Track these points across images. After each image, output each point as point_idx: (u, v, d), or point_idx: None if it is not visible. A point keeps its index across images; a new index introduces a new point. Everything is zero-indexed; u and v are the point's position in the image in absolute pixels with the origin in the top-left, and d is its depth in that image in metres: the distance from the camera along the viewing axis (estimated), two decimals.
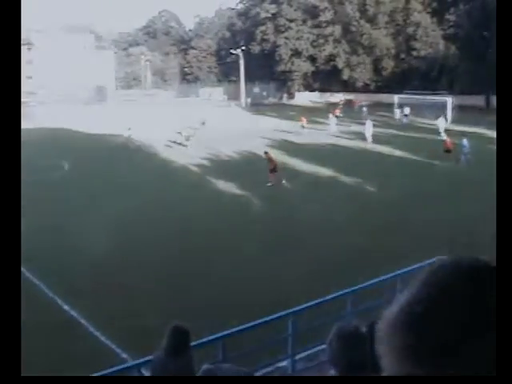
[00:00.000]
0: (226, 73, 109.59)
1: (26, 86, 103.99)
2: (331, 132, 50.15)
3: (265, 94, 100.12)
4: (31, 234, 19.29)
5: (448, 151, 33.65)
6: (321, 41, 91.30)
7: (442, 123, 44.97)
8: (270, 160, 29.50)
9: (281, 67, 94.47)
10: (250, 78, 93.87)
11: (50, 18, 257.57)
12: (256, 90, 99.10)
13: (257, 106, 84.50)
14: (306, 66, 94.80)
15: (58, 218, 23.09)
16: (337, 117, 56.22)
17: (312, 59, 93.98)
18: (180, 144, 44.06)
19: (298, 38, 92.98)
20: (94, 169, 34.72)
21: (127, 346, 12.03)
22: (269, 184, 28.45)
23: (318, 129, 52.38)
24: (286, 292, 14.21)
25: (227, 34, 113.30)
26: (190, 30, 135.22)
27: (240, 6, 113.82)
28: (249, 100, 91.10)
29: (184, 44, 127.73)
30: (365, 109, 61.63)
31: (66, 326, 13.44)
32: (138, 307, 14.34)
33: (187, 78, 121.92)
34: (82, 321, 13.58)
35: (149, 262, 17.88)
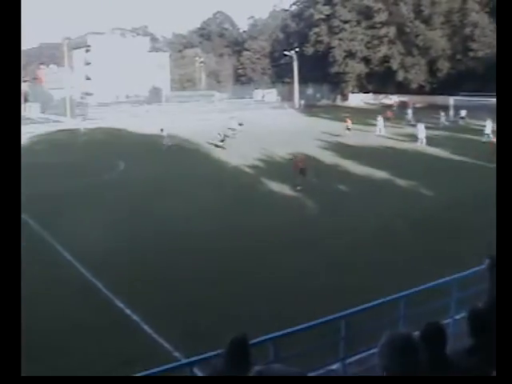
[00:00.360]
0: (279, 74, 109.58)
1: (84, 86, 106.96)
2: (378, 134, 49.56)
3: (318, 95, 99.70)
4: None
5: None
6: (375, 42, 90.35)
7: (489, 125, 44.45)
8: (299, 163, 29.48)
9: (334, 69, 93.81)
10: (303, 80, 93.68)
11: (107, 20, 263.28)
12: (309, 91, 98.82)
13: (310, 108, 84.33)
14: (359, 68, 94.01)
15: (111, 217, 23.58)
16: (388, 119, 55.55)
17: (366, 60, 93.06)
18: (216, 146, 44.31)
19: (352, 40, 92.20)
20: (140, 168, 35.35)
21: (178, 345, 12.15)
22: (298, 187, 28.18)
23: (365, 130, 51.84)
24: (340, 292, 14.13)
25: (281, 36, 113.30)
26: (244, 32, 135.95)
27: (294, 8, 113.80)
28: (302, 101, 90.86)
29: (238, 46, 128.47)
30: (410, 111, 60.57)
31: (121, 325, 13.69)
32: (194, 305, 14.48)
33: (241, 79, 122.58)
34: (136, 318, 13.79)
35: (200, 260, 18.05)
